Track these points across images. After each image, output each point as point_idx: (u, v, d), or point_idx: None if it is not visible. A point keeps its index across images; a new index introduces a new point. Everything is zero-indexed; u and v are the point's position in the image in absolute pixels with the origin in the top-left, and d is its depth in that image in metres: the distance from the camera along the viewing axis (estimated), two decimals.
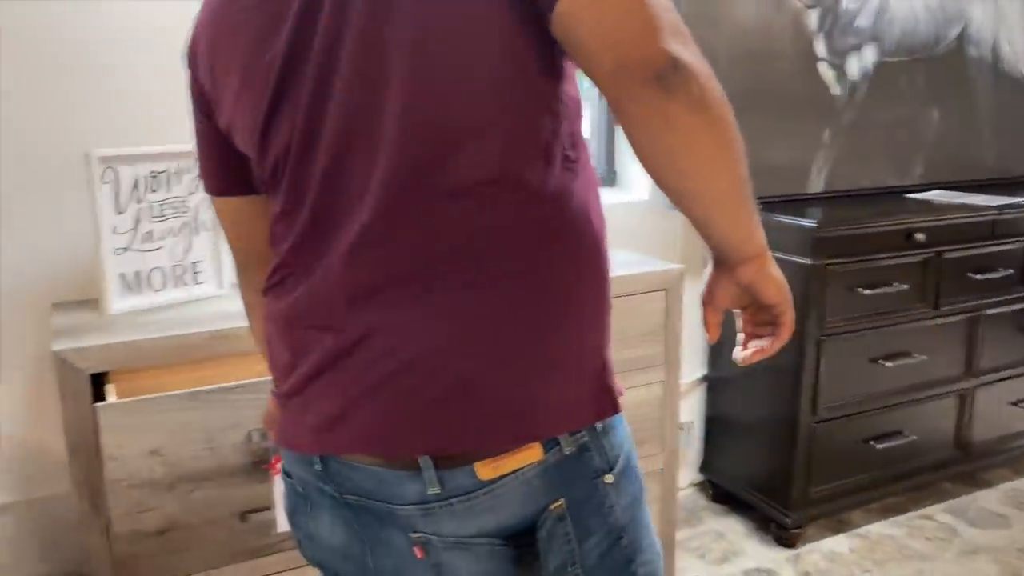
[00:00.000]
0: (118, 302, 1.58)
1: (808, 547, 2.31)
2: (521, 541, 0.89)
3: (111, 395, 1.36)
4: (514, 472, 0.86)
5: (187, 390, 1.30)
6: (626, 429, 0.95)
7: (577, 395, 0.87)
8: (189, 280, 1.68)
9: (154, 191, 1.60)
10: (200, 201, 1.67)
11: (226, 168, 1.00)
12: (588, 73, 0.77)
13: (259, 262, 1.04)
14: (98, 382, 1.41)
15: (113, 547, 1.41)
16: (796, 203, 2.42)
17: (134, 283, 1.60)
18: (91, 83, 1.68)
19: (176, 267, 1.66)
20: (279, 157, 0.89)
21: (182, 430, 1.30)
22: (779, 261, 0.92)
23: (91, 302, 1.66)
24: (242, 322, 1.50)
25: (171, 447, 1.30)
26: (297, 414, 0.95)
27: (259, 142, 0.90)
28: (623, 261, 1.95)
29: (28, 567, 1.80)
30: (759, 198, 0.85)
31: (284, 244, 0.94)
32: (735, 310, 0.98)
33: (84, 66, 1.67)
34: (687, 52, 0.74)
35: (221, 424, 1.33)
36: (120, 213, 1.56)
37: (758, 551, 2.30)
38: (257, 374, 1.43)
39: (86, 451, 1.39)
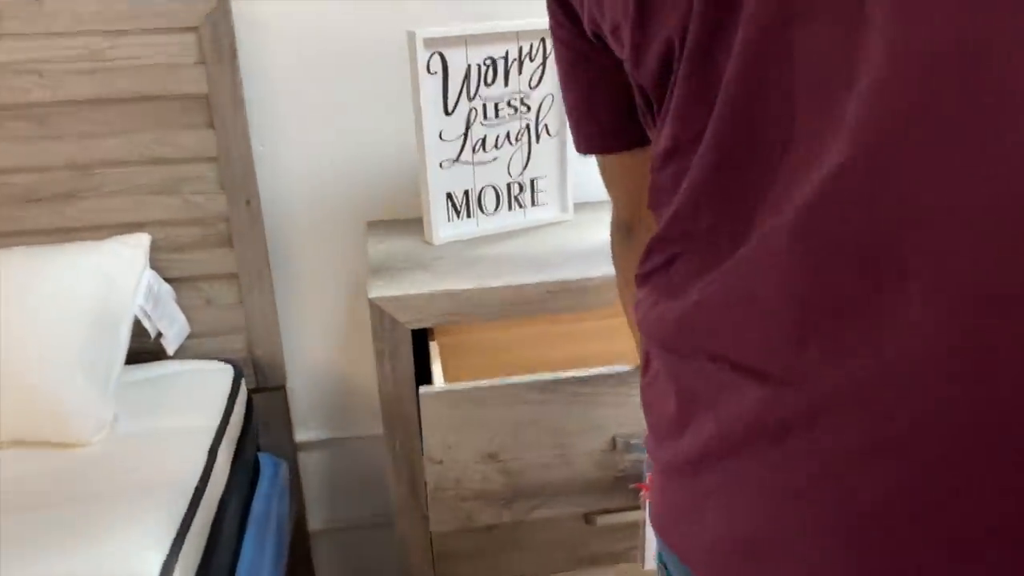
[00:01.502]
0: (443, 228, 1.25)
1: None
2: None
3: (435, 361, 1.03)
4: None
5: (534, 377, 0.93)
6: None
7: None
8: (526, 201, 1.31)
9: (488, 84, 1.22)
10: (545, 97, 1.26)
11: (612, 110, 0.67)
12: None
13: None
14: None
15: (433, 542, 1.13)
16: None
17: (462, 204, 1.26)
18: None
19: (512, 184, 1.29)
20: (666, 51, 0.52)
21: (527, 429, 0.95)
22: None
23: (410, 223, 1.36)
24: (599, 269, 1.11)
25: (512, 449, 0.95)
26: (687, 504, 0.56)
27: (633, 31, 0.53)
28: None
29: (338, 510, 1.63)
30: None
31: (670, 203, 0.55)
32: None
33: None
34: None
35: (578, 424, 0.96)
36: (448, 114, 1.21)
37: None
38: (622, 357, 1.03)
39: (404, 429, 1.10)
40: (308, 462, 1.59)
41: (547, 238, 1.26)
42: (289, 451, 1.52)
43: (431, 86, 1.18)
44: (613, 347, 1.19)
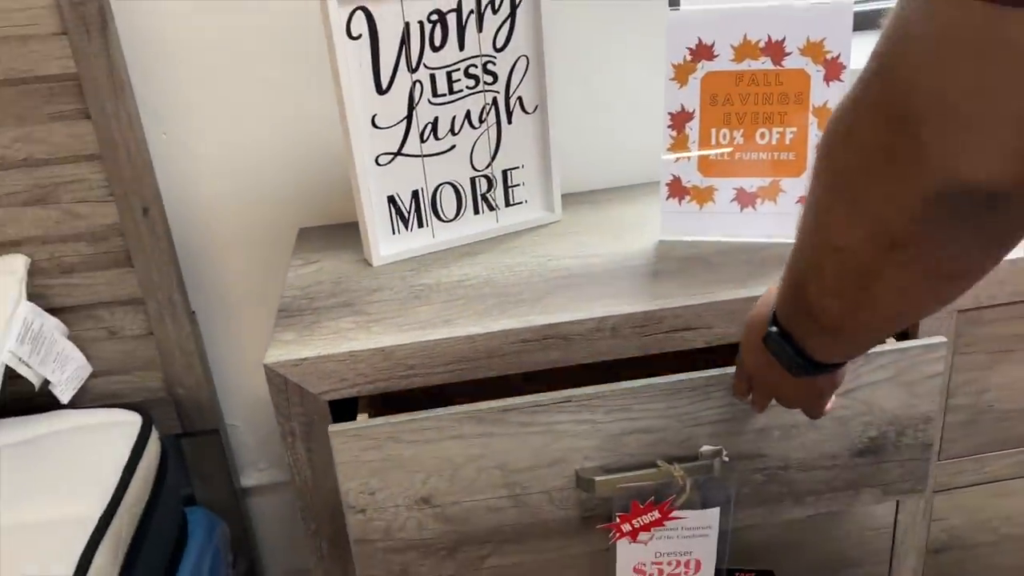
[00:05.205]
0: (386, 244, 0.95)
1: None
2: None
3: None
4: None
5: (470, 407, 0.72)
6: None
7: None
8: (498, 200, 1.00)
9: (435, 48, 0.90)
10: (517, 61, 0.94)
11: None
12: None
13: None
14: None
15: None
16: None
17: (410, 210, 0.96)
18: None
19: (478, 180, 0.98)
20: None
21: (466, 468, 0.74)
22: None
23: (352, 228, 1.06)
24: (599, 299, 0.80)
25: (450, 492, 0.75)
26: None
27: None
28: None
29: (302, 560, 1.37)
30: None
31: None
32: None
33: None
34: None
35: (531, 459, 0.75)
36: (383, 92, 0.89)
37: None
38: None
39: (331, 524, 0.82)
40: (262, 509, 1.33)
41: (528, 251, 0.95)
42: (231, 502, 1.26)
43: (354, 56, 0.86)
44: None
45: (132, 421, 1.07)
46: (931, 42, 0.39)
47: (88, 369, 1.11)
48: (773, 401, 0.71)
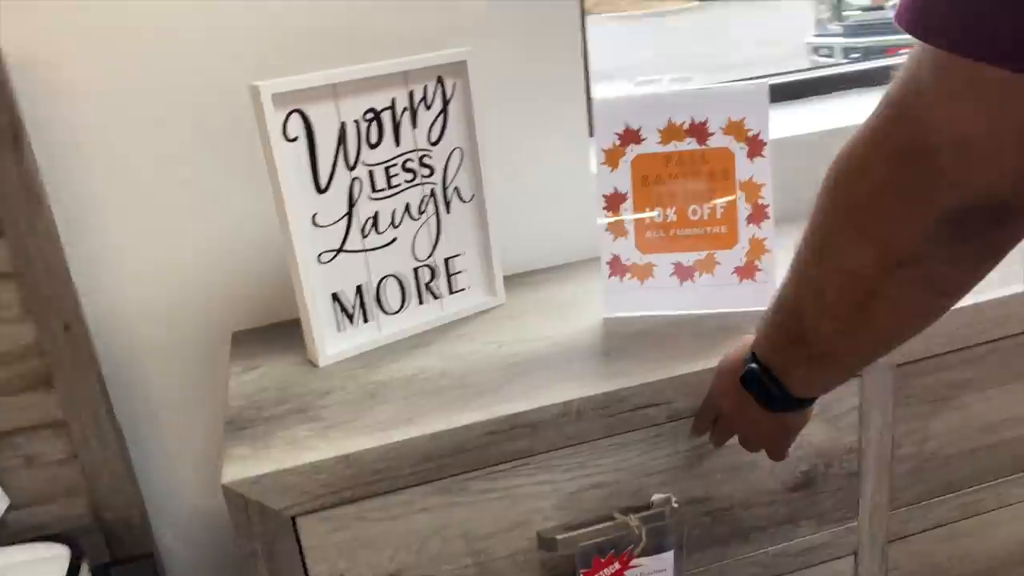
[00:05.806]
0: (331, 343, 0.93)
1: None
2: None
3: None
4: None
5: (438, 480, 0.75)
6: None
7: None
8: (441, 289, 0.99)
9: (372, 146, 0.90)
10: (452, 153, 0.95)
11: None
12: None
13: None
14: None
15: None
16: None
17: (355, 305, 0.94)
18: None
19: (421, 270, 0.97)
20: None
21: (432, 540, 0.77)
22: None
23: (292, 329, 1.03)
24: (561, 384, 0.80)
25: (417, 566, 0.78)
26: None
27: None
28: None
29: None
30: None
31: None
32: None
33: None
34: None
35: (492, 525, 0.78)
36: (322, 191, 0.88)
37: None
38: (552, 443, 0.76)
39: None
40: None
41: (478, 338, 0.95)
42: None
43: (291, 157, 0.85)
44: None
45: (59, 555, 0.99)
46: (944, 92, 0.43)
47: (5, 502, 1.02)
48: (731, 441, 0.77)
